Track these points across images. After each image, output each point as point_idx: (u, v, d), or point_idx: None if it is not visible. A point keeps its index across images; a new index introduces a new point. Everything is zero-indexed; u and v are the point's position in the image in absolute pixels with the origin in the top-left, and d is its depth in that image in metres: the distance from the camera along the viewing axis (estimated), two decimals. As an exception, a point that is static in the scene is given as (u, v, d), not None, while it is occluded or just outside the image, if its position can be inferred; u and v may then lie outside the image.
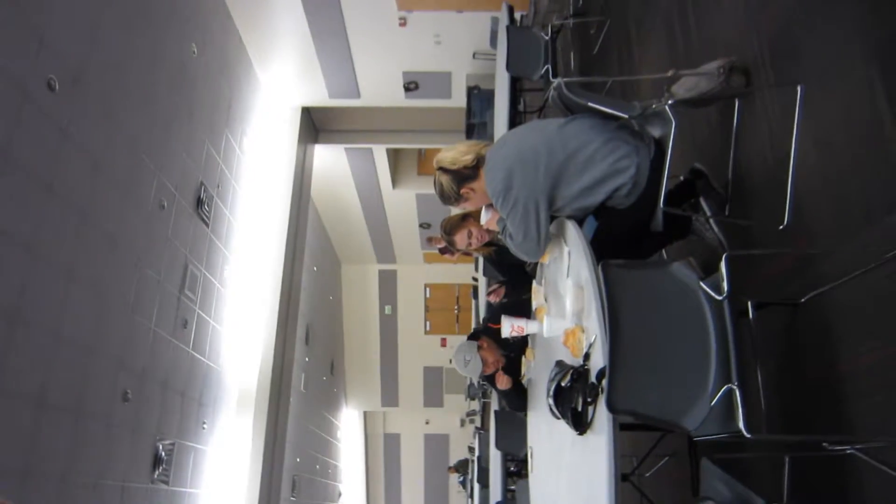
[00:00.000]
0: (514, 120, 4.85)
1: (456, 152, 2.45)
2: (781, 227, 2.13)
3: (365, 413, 13.91)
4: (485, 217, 2.64)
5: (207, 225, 6.39)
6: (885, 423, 1.70)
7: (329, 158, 9.78)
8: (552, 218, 2.31)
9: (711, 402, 1.51)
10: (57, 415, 4.06)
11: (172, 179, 5.63)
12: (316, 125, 9.36)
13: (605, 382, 1.59)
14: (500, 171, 2.25)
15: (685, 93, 2.70)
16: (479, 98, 7.66)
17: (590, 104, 2.25)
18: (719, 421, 1.58)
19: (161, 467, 5.41)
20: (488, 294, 3.73)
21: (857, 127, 1.92)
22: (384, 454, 14.32)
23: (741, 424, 1.50)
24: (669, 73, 2.78)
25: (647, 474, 3.04)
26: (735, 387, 1.52)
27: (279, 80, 8.21)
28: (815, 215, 2.07)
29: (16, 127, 3.69)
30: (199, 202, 6.16)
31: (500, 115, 5.13)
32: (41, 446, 3.92)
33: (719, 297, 1.63)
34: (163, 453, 5.44)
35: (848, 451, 1.73)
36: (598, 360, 1.76)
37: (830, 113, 2.04)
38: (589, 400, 1.75)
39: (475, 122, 7.67)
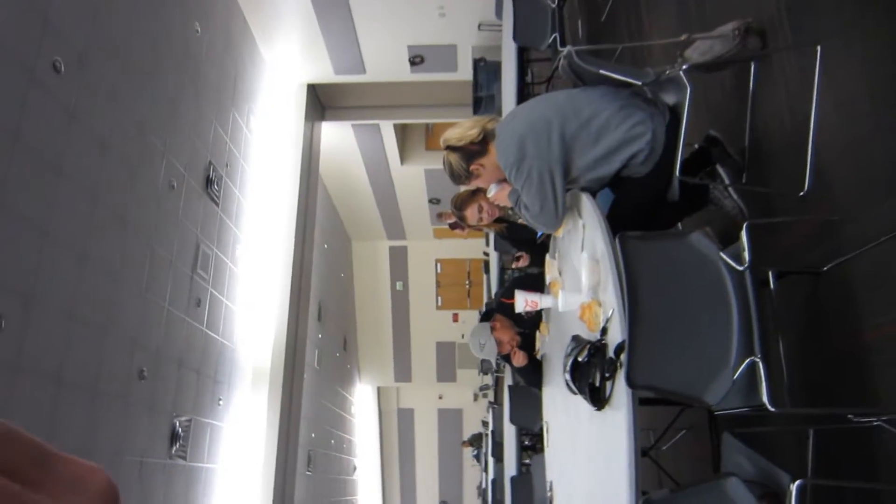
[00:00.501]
0: (523, 91, 4.76)
1: (461, 129, 2.41)
2: (801, 193, 2.07)
3: (378, 388, 14.01)
4: (493, 191, 2.59)
5: (217, 204, 6.37)
6: (912, 394, 1.66)
7: (336, 135, 9.71)
8: (567, 190, 2.27)
9: (734, 375, 1.48)
10: (74, 393, 4.10)
11: (181, 159, 5.60)
12: (322, 102, 9.28)
13: (623, 357, 1.56)
14: (511, 142, 2.21)
15: (699, 57, 2.62)
16: (486, 70, 7.54)
17: (601, 71, 2.19)
18: (741, 394, 1.55)
19: (178, 443, 5.48)
20: (516, 259, 3.72)
21: (880, 88, 1.85)
22: (398, 429, 14.45)
23: (764, 398, 1.46)
24: (682, 38, 2.70)
25: (665, 448, 3.03)
26: (758, 359, 1.48)
27: (284, 58, 8.12)
28: (836, 181, 2.01)
29: (23, 110, 3.66)
30: (208, 181, 6.14)
31: (507, 87, 5.05)
32: (59, 423, 3.97)
33: (740, 268, 1.59)
34: (180, 430, 5.50)
35: (874, 423, 1.69)
36: (616, 335, 1.72)
37: (852, 73, 1.97)
38: (607, 375, 1.72)
39: (482, 94, 7.56)
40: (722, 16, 2.73)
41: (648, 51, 3.71)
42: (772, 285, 1.84)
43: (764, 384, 1.47)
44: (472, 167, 2.37)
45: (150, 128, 5.08)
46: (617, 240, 1.64)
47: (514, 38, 4.38)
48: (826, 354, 2.01)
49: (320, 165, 9.42)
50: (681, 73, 2.16)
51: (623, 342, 1.58)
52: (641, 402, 1.73)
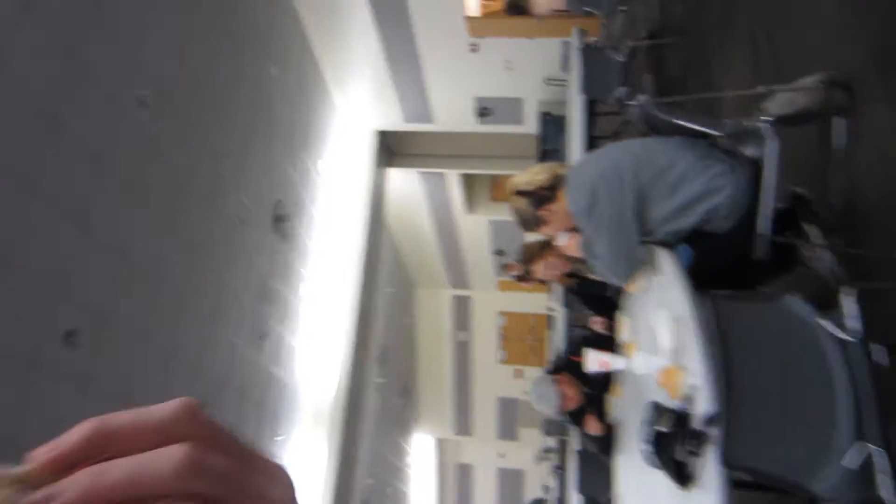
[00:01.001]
0: (590, 144, 4.70)
1: (530, 174, 2.35)
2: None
3: (437, 440, 13.74)
4: (562, 240, 2.49)
5: (286, 242, 6.49)
6: None
7: (403, 182, 9.82)
8: (642, 243, 2.14)
9: (847, 462, 1.29)
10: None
11: (251, 196, 5.77)
12: (391, 148, 9.44)
13: (714, 431, 1.40)
14: (583, 188, 2.12)
15: (781, 109, 2.49)
16: (552, 124, 7.52)
17: (677, 121, 2.08)
18: (852, 483, 1.36)
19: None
20: (592, 323, 3.52)
21: None
22: (457, 485, 14.06)
23: (883, 491, 1.27)
24: (762, 90, 2.57)
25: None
26: (876, 447, 1.29)
27: (355, 104, 8.33)
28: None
29: (111, 139, 3.89)
30: (277, 219, 6.27)
31: (574, 140, 4.99)
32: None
33: (850, 339, 1.41)
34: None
35: None
36: (703, 405, 1.56)
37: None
38: (692, 450, 1.56)
39: (548, 148, 7.53)
40: (797, 68, 2.60)
41: (720, 104, 3.59)
42: (880, 359, 1.64)
43: (884, 475, 1.27)
44: (541, 213, 2.29)
45: (224, 163, 5.29)
46: (707, 299, 1.50)
47: (583, 90, 4.33)
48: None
49: (387, 211, 9.52)
50: (764, 125, 2.03)
51: (714, 414, 1.42)
52: (735, 485, 1.55)
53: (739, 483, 1.86)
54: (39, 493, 0.28)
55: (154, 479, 0.28)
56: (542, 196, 2.25)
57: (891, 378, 1.63)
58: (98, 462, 0.29)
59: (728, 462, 1.35)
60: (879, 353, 1.63)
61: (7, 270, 3.13)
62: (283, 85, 6.50)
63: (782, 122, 2.45)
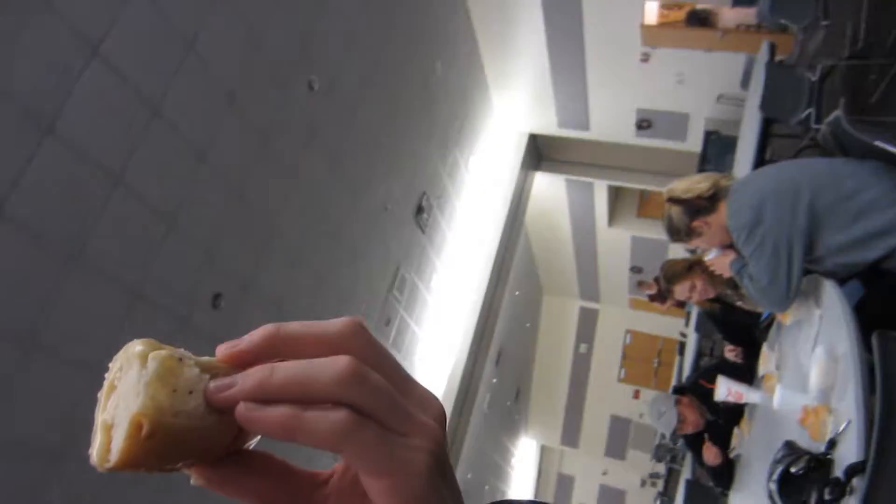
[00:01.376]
0: (759, 167, 4.39)
1: (690, 181, 2.22)
2: None
3: (542, 447, 13.59)
4: (712, 256, 2.35)
5: (423, 232, 6.66)
6: None
7: (548, 187, 9.75)
8: (805, 272, 1.97)
9: None
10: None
11: (399, 186, 5.96)
12: (541, 152, 9.40)
13: (858, 482, 1.28)
14: (749, 202, 1.97)
15: None
16: (718, 144, 7.11)
17: (877, 143, 1.88)
18: None
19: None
20: (728, 352, 3.30)
21: None
22: (555, 494, 13.85)
23: None
24: None
25: None
26: None
27: (511, 105, 8.37)
28: None
29: (278, 118, 4.14)
30: (419, 210, 6.45)
31: (742, 162, 4.69)
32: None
33: None
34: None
35: None
36: (849, 452, 1.43)
37: None
38: (829, 497, 1.43)
39: (709, 168, 7.13)
40: None
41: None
42: None
43: None
44: (695, 224, 2.16)
45: (378, 152, 5.49)
46: (874, 339, 1.37)
47: (762, 108, 4.06)
48: None
49: (527, 214, 9.50)
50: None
51: (861, 463, 1.30)
52: (869, 543, 1.41)
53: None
54: (219, 381, 0.32)
55: (318, 382, 0.30)
56: (700, 206, 2.13)
57: None
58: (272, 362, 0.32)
59: (870, 515, 1.23)
60: None
61: (173, 234, 3.46)
62: (446, 81, 6.65)
63: None
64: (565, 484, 13.82)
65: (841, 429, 1.51)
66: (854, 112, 4.50)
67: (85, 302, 2.96)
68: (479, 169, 8.02)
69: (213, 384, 0.32)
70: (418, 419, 0.33)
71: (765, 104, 4.01)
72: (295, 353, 0.32)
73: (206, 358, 0.34)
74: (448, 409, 7.48)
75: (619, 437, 12.30)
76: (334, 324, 0.34)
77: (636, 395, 12.21)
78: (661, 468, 9.92)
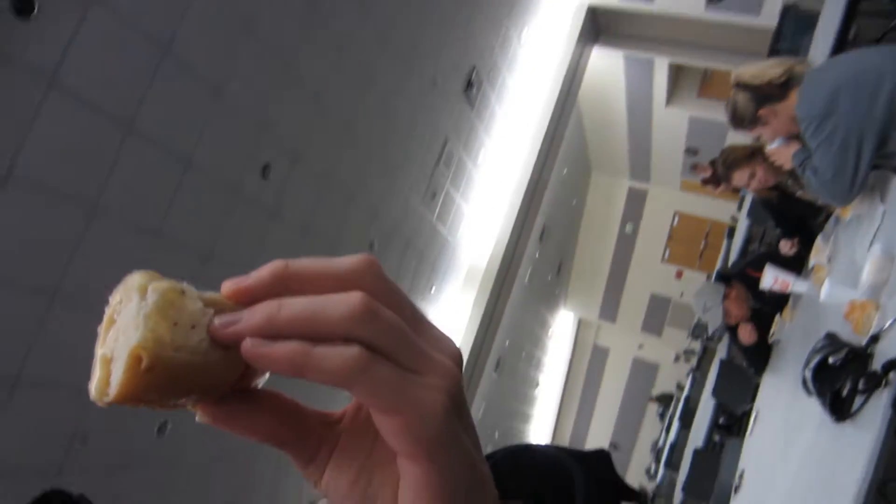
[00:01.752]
0: (839, 48, 4.07)
1: (761, 66, 2.09)
2: None
3: (580, 320, 13.99)
4: (775, 145, 2.26)
5: (472, 108, 6.54)
6: None
7: (605, 62, 9.29)
8: (874, 167, 1.90)
9: None
10: (317, 246, 4.62)
11: (449, 59, 5.80)
12: (600, 26, 8.87)
13: (894, 376, 1.32)
14: (822, 91, 1.85)
15: None
16: (796, 20, 6.54)
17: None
18: None
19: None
20: (784, 243, 3.23)
21: None
22: (588, 364, 14.42)
23: None
24: None
25: None
26: None
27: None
28: None
29: None
30: (468, 84, 6.29)
31: (821, 42, 4.35)
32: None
33: None
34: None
35: None
36: (891, 348, 1.46)
37: None
38: (862, 388, 1.49)
39: (783, 47, 6.63)
40: None
41: None
42: None
43: None
44: (762, 112, 2.07)
45: (428, 24, 5.31)
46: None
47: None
48: None
49: (581, 90, 9.15)
50: None
51: (900, 359, 1.33)
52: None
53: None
54: (225, 316, 0.31)
55: (329, 318, 0.29)
56: (770, 93, 2.02)
57: None
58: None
59: (901, 407, 1.28)
60: None
61: (220, 102, 3.46)
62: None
63: None
64: (600, 355, 14.34)
65: (887, 325, 1.53)
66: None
67: (138, 169, 3.07)
68: (533, 42, 7.67)
69: (217, 319, 0.31)
70: (433, 357, 0.32)
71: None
72: (304, 290, 0.31)
73: (210, 293, 0.32)
74: (490, 282, 7.71)
75: (658, 315, 12.53)
76: (346, 260, 0.32)
77: (679, 275, 12.27)
78: (696, 346, 10.18)
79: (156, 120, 3.05)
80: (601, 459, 0.43)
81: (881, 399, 1.38)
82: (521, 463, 0.42)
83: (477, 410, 8.62)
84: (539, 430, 13.30)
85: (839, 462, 1.57)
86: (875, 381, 1.44)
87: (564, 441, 14.52)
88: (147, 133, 3.03)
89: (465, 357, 7.62)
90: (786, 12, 6.67)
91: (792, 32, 6.56)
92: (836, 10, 4.02)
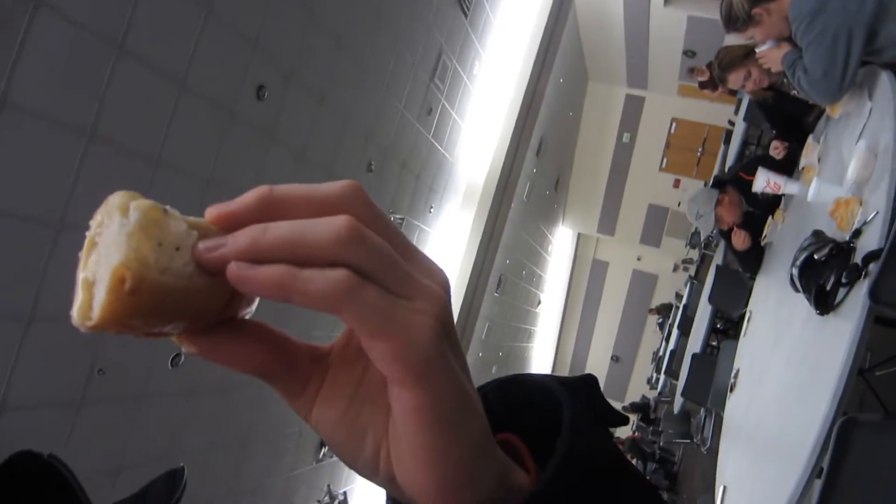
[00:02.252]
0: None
1: None
2: None
3: (578, 235, 14.08)
4: (765, 48, 2.24)
5: (466, 16, 6.36)
6: None
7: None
8: (863, 63, 1.89)
9: None
10: (314, 170, 4.62)
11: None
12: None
13: (873, 267, 1.37)
14: None
15: None
16: None
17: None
18: None
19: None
20: (774, 147, 3.24)
21: None
22: (589, 278, 14.62)
23: None
24: None
25: (881, 374, 2.75)
26: None
27: None
28: None
29: None
30: (462, -8, 6.10)
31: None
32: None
33: None
34: (394, 227, 6.04)
35: None
36: (871, 241, 1.51)
37: None
38: (844, 281, 1.54)
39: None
40: None
41: None
42: None
43: None
44: (756, 11, 2.04)
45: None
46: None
47: None
48: None
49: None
50: None
51: (879, 251, 1.38)
52: (876, 321, 1.54)
53: (879, 319, 1.84)
54: (209, 240, 0.30)
55: (315, 241, 0.29)
56: None
57: None
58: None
59: (877, 297, 1.34)
60: None
61: (211, 20, 3.36)
62: None
63: None
64: (599, 269, 14.52)
65: (869, 219, 1.57)
66: None
67: (131, 93, 3.04)
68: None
69: (202, 244, 0.30)
70: (422, 282, 0.31)
71: None
72: (289, 215, 0.30)
73: (193, 218, 0.31)
74: (488, 199, 7.72)
75: (656, 226, 12.59)
76: (331, 186, 0.32)
77: (676, 183, 12.25)
78: (694, 254, 10.31)
79: (147, 40, 3.00)
80: (588, 384, 0.43)
81: (861, 290, 1.44)
82: (510, 394, 0.42)
83: (480, 331, 8.81)
84: (542, 347, 13.64)
85: (824, 352, 1.64)
86: (856, 274, 1.49)
87: (567, 357, 14.92)
88: (139, 54, 2.98)
89: (467, 277, 7.73)
90: None
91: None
92: None
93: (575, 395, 0.39)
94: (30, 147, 2.63)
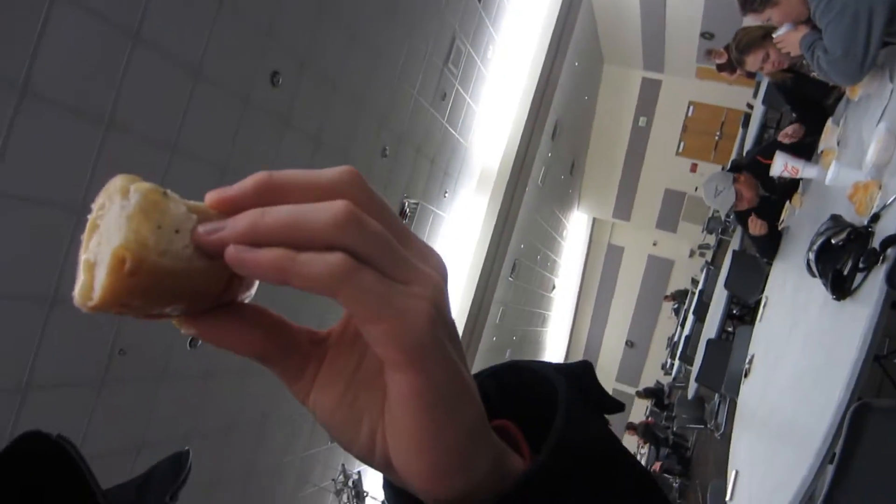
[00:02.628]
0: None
1: None
2: None
3: (594, 219, 14.00)
4: (783, 31, 2.20)
5: (479, 1, 6.31)
6: None
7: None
8: (884, 44, 1.86)
9: None
10: (330, 155, 4.63)
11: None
12: None
13: (891, 251, 1.36)
14: None
15: None
16: None
17: None
18: None
19: (404, 221, 6.05)
20: (783, 133, 3.19)
21: None
22: (604, 263, 14.56)
23: None
24: None
25: (897, 360, 2.73)
26: None
27: None
28: None
29: None
30: (476, -26, 6.04)
31: None
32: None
33: None
34: (407, 210, 6.06)
35: None
36: (890, 226, 1.49)
37: None
38: (862, 266, 1.53)
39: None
40: None
41: None
42: None
43: None
44: None
45: None
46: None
47: None
48: None
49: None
50: None
51: (897, 235, 1.37)
52: (892, 306, 1.53)
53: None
54: (209, 224, 0.30)
55: (313, 225, 0.29)
56: None
57: None
58: None
59: (893, 282, 1.33)
60: None
61: (225, 8, 3.36)
62: None
63: None
64: (615, 254, 14.45)
65: (888, 203, 1.55)
66: None
67: (148, 81, 3.06)
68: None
69: (201, 227, 0.30)
70: (418, 268, 0.32)
71: None
72: (288, 200, 0.31)
73: (193, 202, 0.32)
74: (503, 183, 7.69)
75: (672, 211, 12.48)
76: (330, 171, 0.32)
77: (693, 168, 12.11)
78: (711, 240, 10.23)
79: (162, 29, 3.02)
80: (583, 370, 0.43)
81: (879, 275, 1.43)
82: (506, 380, 0.43)
83: (494, 315, 8.83)
84: (556, 332, 13.63)
85: (840, 338, 1.63)
86: (874, 259, 1.48)
87: (582, 342, 14.90)
88: (155, 43, 3.00)
89: (482, 262, 7.73)
90: None
91: None
92: None
93: (570, 381, 0.39)
94: (51, 134, 2.66)
